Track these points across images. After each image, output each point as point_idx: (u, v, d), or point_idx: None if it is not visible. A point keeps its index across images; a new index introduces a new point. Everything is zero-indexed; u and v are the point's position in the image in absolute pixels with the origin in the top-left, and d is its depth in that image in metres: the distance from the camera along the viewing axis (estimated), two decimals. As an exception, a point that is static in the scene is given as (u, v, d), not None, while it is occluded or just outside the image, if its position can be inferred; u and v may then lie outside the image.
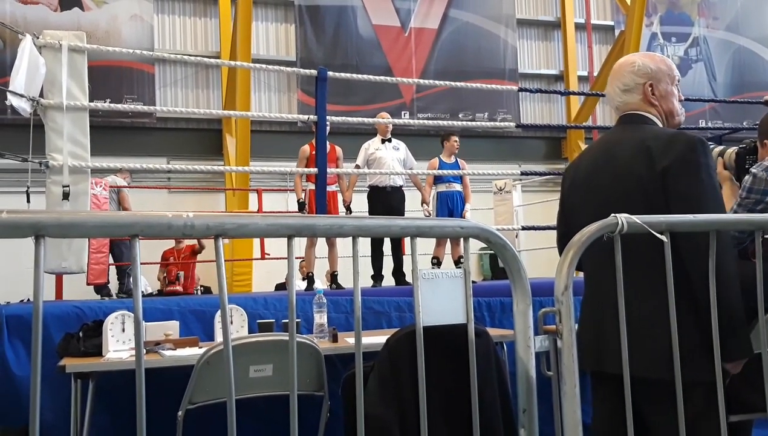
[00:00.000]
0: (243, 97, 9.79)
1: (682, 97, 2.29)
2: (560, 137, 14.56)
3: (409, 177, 6.75)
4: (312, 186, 6.01)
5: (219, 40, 12.65)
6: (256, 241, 9.07)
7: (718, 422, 1.79)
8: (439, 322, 1.88)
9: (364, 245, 6.15)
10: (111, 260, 7.48)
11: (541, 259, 8.29)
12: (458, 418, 2.50)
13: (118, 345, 3.42)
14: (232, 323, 3.76)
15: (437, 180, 6.73)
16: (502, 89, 12.60)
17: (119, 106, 7.34)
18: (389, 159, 6.54)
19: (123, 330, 3.46)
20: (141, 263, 1.22)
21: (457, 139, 6.89)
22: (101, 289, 7.37)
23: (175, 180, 11.91)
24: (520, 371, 1.55)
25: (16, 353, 3.71)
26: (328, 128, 5.72)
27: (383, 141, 6.63)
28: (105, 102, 9.85)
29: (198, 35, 12.92)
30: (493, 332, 3.31)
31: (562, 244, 2.19)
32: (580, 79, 14.79)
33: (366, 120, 7.13)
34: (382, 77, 7.47)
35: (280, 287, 9.19)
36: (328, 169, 5.75)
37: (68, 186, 4.29)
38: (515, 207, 10.00)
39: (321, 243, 6.35)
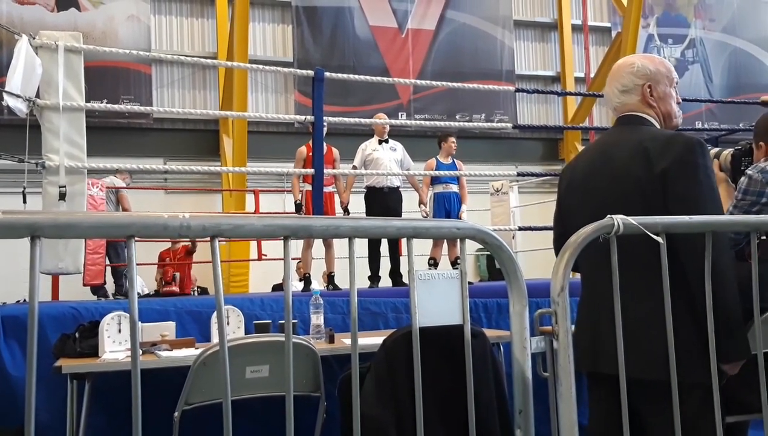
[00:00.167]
0: (240, 98, 9.79)
1: (680, 100, 2.30)
2: (557, 138, 14.58)
3: (407, 178, 6.75)
4: (309, 187, 6.01)
5: (216, 40, 12.65)
6: (253, 242, 9.07)
7: (714, 423, 1.79)
8: (435, 323, 1.88)
9: (361, 245, 6.17)
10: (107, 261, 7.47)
11: (537, 260, 8.29)
12: (455, 419, 2.50)
13: (115, 346, 3.42)
14: (228, 323, 3.75)
15: (434, 181, 6.74)
16: (499, 90, 12.62)
17: (116, 106, 7.34)
18: (386, 160, 6.54)
19: (119, 331, 3.45)
20: (137, 264, 1.22)
21: (454, 140, 6.89)
22: (98, 290, 7.36)
23: (171, 181, 11.90)
24: (516, 372, 1.55)
25: (12, 354, 3.71)
26: (325, 129, 5.72)
27: (380, 142, 6.64)
28: (102, 103, 9.85)
29: (195, 36, 12.91)
30: (490, 333, 3.31)
31: (558, 245, 2.19)
32: (577, 80, 14.80)
33: (363, 121, 7.13)
34: (379, 78, 7.49)
35: (277, 287, 9.18)
36: (325, 170, 5.76)
37: (65, 187, 4.29)
38: (512, 208, 10.00)
39: (318, 244, 6.35)
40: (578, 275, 2.28)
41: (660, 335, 1.77)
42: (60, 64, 4.34)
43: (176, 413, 2.84)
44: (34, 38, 4.34)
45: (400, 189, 6.68)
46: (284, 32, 13.31)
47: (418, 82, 10.35)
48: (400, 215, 6.47)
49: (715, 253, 1.80)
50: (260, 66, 7.35)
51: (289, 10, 13.14)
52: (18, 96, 4.20)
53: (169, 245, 9.56)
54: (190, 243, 9.10)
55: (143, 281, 9.99)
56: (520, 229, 7.51)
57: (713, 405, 1.79)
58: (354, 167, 6.59)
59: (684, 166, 2.00)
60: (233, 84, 9.93)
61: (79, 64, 4.46)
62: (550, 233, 2.43)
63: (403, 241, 1.46)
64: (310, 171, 5.70)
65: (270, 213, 9.43)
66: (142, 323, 3.46)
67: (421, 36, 13.75)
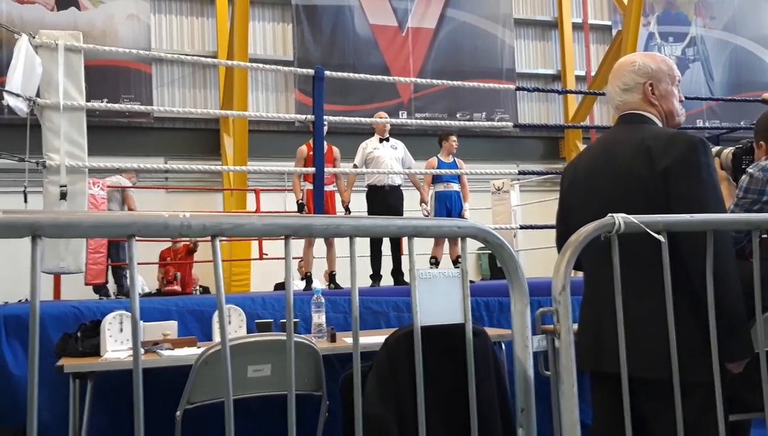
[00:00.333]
0: (240, 97, 9.79)
1: (683, 98, 2.29)
2: (558, 137, 14.57)
3: (408, 176, 6.75)
4: (310, 186, 6.01)
5: (216, 39, 12.65)
6: (255, 241, 9.07)
7: (717, 421, 1.79)
8: (437, 322, 1.88)
9: (363, 244, 6.16)
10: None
11: (539, 258, 8.29)
12: (456, 418, 2.50)
13: (116, 345, 3.42)
14: (230, 322, 3.76)
15: (435, 180, 6.74)
16: (499, 88, 12.61)
17: (116, 105, 7.34)
18: (387, 158, 6.54)
19: (121, 330, 3.45)
20: (138, 263, 1.22)
21: (455, 139, 6.89)
22: (100, 289, 7.37)
23: (172, 180, 11.90)
24: (518, 370, 1.55)
25: (14, 353, 3.71)
26: (325, 128, 5.72)
27: (381, 140, 6.63)
28: (102, 102, 9.84)
29: (195, 35, 12.91)
30: (491, 331, 3.31)
31: (560, 243, 2.18)
32: (578, 78, 14.79)
33: (364, 120, 7.13)
34: (380, 76, 7.47)
35: (279, 286, 9.18)
36: (326, 169, 5.76)
37: (65, 186, 4.29)
38: (513, 207, 10.01)
39: (319, 243, 6.35)
40: (580, 274, 2.28)
41: (662, 333, 1.77)
42: (60, 63, 4.34)
43: (178, 412, 2.85)
44: (34, 37, 4.34)
45: (401, 187, 6.67)
46: (284, 31, 13.31)
47: (419, 80, 10.39)
48: (402, 214, 6.47)
49: (718, 251, 1.80)
50: (260, 65, 7.34)
51: (289, 8, 13.13)
52: (18, 95, 4.20)
53: (169, 244, 9.56)
54: (190, 242, 9.11)
55: (143, 280, 9.99)
56: (522, 227, 7.51)
57: (716, 404, 1.78)
58: (355, 166, 6.59)
59: (686, 165, 1.99)
60: (233, 83, 9.92)
61: (79, 64, 4.46)
62: (552, 232, 2.43)
63: (404, 239, 1.46)
64: (311, 170, 5.70)
65: (271, 212, 9.43)
66: (143, 322, 3.47)
67: (421, 34, 13.74)
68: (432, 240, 6.55)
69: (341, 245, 5.92)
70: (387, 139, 6.66)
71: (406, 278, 6.29)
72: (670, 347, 1.74)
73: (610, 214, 1.65)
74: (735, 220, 2.09)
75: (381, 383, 2.60)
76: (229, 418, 1.24)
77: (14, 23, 10.72)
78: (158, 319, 3.80)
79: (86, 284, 7.01)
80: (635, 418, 1.97)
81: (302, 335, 3.36)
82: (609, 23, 15.37)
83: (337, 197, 6.53)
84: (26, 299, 6.86)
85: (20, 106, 4.25)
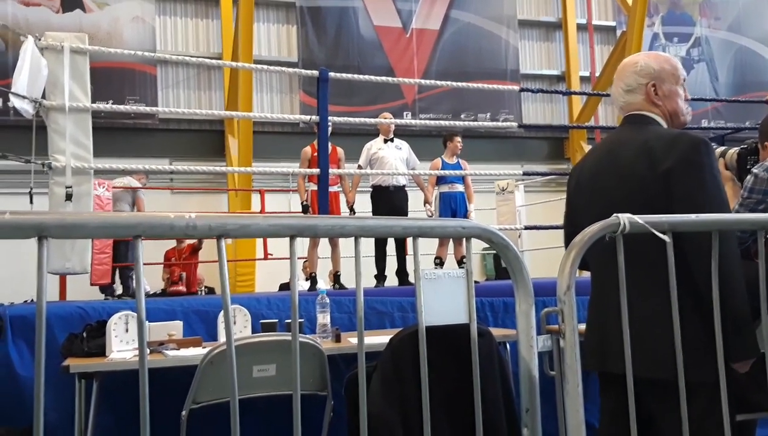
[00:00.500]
0: (245, 98, 9.80)
1: (689, 97, 2.28)
2: (562, 138, 14.55)
3: (412, 177, 6.75)
4: (314, 187, 6.01)
5: (221, 41, 12.66)
6: (259, 241, 9.09)
7: (723, 421, 1.79)
8: (441, 322, 1.89)
9: (367, 245, 6.16)
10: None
11: (543, 259, 8.28)
12: (461, 418, 2.50)
13: (122, 345, 3.43)
14: (235, 323, 3.76)
15: (440, 181, 6.73)
16: (503, 89, 12.60)
17: (121, 107, 7.34)
18: (392, 158, 6.55)
19: (126, 330, 3.46)
20: (144, 264, 1.22)
21: (460, 139, 6.88)
22: (106, 289, 7.40)
23: (177, 181, 11.91)
24: (522, 370, 1.55)
25: (20, 354, 3.72)
26: (329, 129, 5.72)
27: (386, 141, 6.64)
28: (107, 103, 9.88)
29: (200, 36, 12.93)
30: (496, 331, 3.31)
31: (568, 244, 2.19)
32: (582, 79, 14.77)
33: (368, 120, 7.13)
34: (384, 78, 7.47)
35: (284, 287, 9.20)
36: (330, 170, 5.76)
37: (71, 187, 4.31)
38: (518, 207, 10.00)
39: (324, 243, 6.36)
40: (586, 274, 2.29)
41: (666, 333, 1.77)
42: (65, 65, 4.35)
43: (184, 412, 2.85)
44: (39, 39, 4.36)
45: (405, 188, 6.68)
46: (289, 32, 13.32)
47: (423, 81, 10.35)
48: (406, 214, 6.47)
49: (722, 251, 1.79)
50: (265, 66, 7.35)
51: (293, 10, 13.14)
52: (24, 97, 4.22)
53: (174, 243, 9.58)
54: (195, 241, 9.13)
55: (146, 281, 10.00)
56: (526, 228, 7.50)
57: (721, 404, 1.78)
58: (359, 167, 6.59)
59: (688, 166, 1.99)
60: (238, 84, 9.94)
61: (85, 65, 4.48)
62: (556, 232, 2.44)
63: (409, 240, 1.46)
64: (316, 171, 5.71)
65: (275, 213, 9.44)
66: (149, 322, 3.47)
67: (425, 36, 13.74)
68: (436, 240, 6.55)
69: (346, 245, 5.93)
70: (391, 140, 6.66)
71: (411, 279, 6.29)
72: (674, 347, 1.74)
73: (615, 215, 1.65)
74: (740, 220, 2.08)
75: (385, 383, 2.60)
76: (235, 418, 1.25)
77: (20, 25, 10.76)
78: (163, 319, 3.81)
79: (92, 285, 7.03)
80: (644, 418, 1.97)
81: (307, 336, 3.37)
82: (613, 24, 15.34)
83: (342, 198, 6.53)
84: (32, 300, 6.88)
85: (26, 107, 4.27)
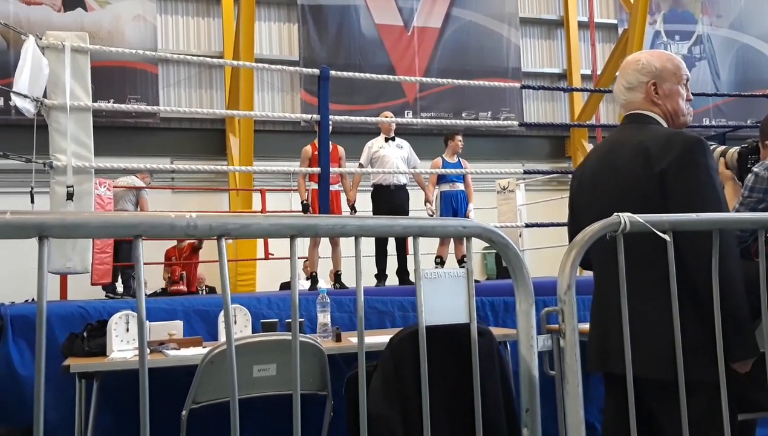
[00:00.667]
0: (246, 97, 9.80)
1: (691, 97, 2.26)
2: (564, 136, 14.54)
3: (413, 176, 6.75)
4: (315, 186, 6.01)
5: (222, 40, 12.66)
6: (260, 241, 9.08)
7: (723, 421, 1.79)
8: (442, 321, 1.89)
9: (368, 244, 6.15)
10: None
11: (544, 258, 8.27)
12: (461, 417, 2.50)
13: (123, 345, 3.43)
14: (235, 322, 3.76)
15: (440, 179, 6.73)
16: (505, 87, 12.59)
17: (123, 106, 7.36)
18: (393, 157, 6.54)
19: (127, 330, 3.46)
20: (144, 263, 1.22)
21: (461, 138, 6.87)
22: (109, 287, 7.41)
23: (178, 180, 11.92)
24: (523, 370, 1.55)
25: (21, 353, 3.72)
26: (330, 128, 5.72)
27: (386, 139, 6.63)
28: (108, 102, 9.89)
29: (201, 35, 12.93)
30: (497, 331, 3.31)
31: (571, 244, 2.19)
32: (584, 77, 14.76)
33: (369, 119, 7.12)
34: (385, 76, 7.46)
35: (284, 286, 9.20)
36: (331, 169, 5.76)
37: (72, 186, 4.30)
38: (518, 206, 9.99)
39: (325, 243, 6.35)
40: (586, 273, 2.28)
41: (666, 333, 1.77)
42: (67, 64, 4.35)
43: (184, 412, 2.85)
44: (40, 38, 4.36)
45: (406, 187, 6.67)
46: (290, 31, 13.32)
47: (424, 80, 10.37)
48: (407, 213, 6.46)
49: (722, 250, 1.79)
50: (266, 65, 7.34)
51: (294, 8, 13.14)
52: (25, 96, 4.22)
53: (174, 242, 9.58)
54: (195, 240, 9.13)
55: (146, 281, 9.99)
56: (527, 226, 7.50)
57: (722, 403, 1.78)
58: (360, 165, 6.59)
59: (683, 166, 1.97)
60: (239, 83, 9.93)
61: (86, 64, 4.47)
62: (557, 231, 2.44)
63: (410, 239, 1.46)
64: (317, 170, 5.71)
65: (276, 212, 9.45)
66: (149, 322, 3.47)
67: (426, 34, 13.73)
68: (437, 240, 6.55)
69: (346, 244, 5.94)
70: (392, 139, 6.66)
71: (411, 278, 6.28)
72: (674, 347, 1.74)
73: (615, 214, 1.65)
74: (740, 219, 2.08)
75: (386, 382, 2.60)
76: (235, 417, 1.25)
77: (21, 24, 10.75)
78: (164, 319, 3.81)
79: (93, 284, 7.03)
80: (647, 418, 1.97)
81: (307, 335, 3.37)
82: (615, 22, 15.33)
83: (343, 197, 6.53)
84: (33, 299, 6.89)
85: (27, 107, 4.27)
